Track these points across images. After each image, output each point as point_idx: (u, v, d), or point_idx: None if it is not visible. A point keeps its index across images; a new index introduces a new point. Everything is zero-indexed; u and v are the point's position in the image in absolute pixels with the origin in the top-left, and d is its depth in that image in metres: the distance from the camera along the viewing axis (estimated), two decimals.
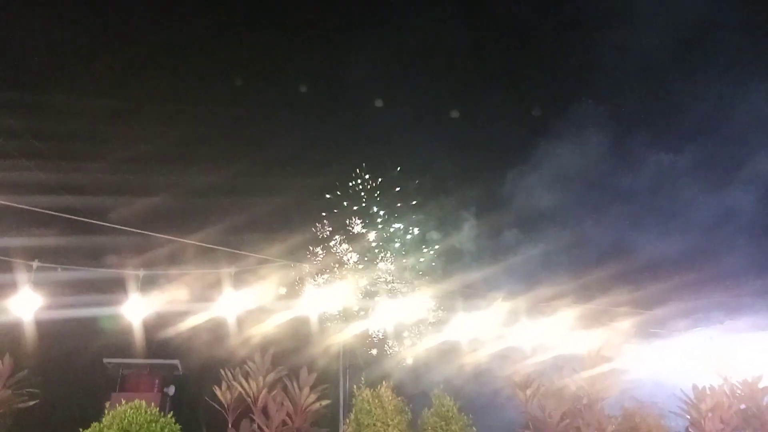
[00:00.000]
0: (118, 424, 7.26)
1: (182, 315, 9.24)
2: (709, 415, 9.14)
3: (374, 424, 7.80)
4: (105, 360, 17.00)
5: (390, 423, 7.88)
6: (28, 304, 6.71)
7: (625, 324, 9.06)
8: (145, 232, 6.44)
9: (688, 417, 9.35)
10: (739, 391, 9.64)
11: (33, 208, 5.70)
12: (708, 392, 9.29)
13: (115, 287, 7.58)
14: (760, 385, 9.65)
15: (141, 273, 6.73)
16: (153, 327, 9.81)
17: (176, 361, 17.43)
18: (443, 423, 8.27)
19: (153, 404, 7.91)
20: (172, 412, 8.04)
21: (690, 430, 9.39)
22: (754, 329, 9.48)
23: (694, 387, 9.36)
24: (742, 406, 9.61)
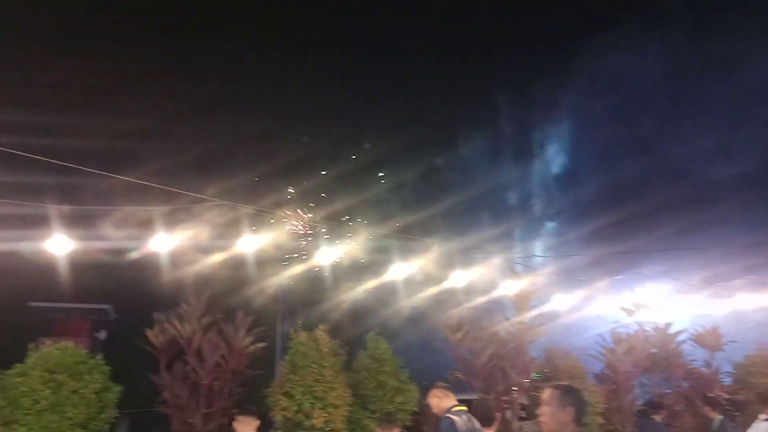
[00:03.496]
0: (42, 366, 7.04)
1: (114, 256, 8.92)
2: (623, 358, 9.89)
3: (309, 366, 7.93)
4: (31, 303, 16.35)
5: (325, 365, 8.02)
6: None
7: (551, 271, 9.52)
8: (74, 166, 6.06)
9: (605, 360, 10.09)
10: (651, 337, 10.46)
11: None
12: (624, 337, 10.02)
13: (41, 225, 7.16)
14: (670, 331, 10.50)
15: (67, 207, 6.38)
16: (83, 269, 9.43)
17: (108, 306, 17.01)
18: (377, 365, 8.52)
19: (85, 350, 7.71)
20: (102, 354, 7.88)
21: (605, 371, 10.15)
22: (666, 277, 10.20)
23: (612, 332, 10.06)
24: (654, 350, 10.46)
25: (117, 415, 7.58)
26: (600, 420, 9.05)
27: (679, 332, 10.54)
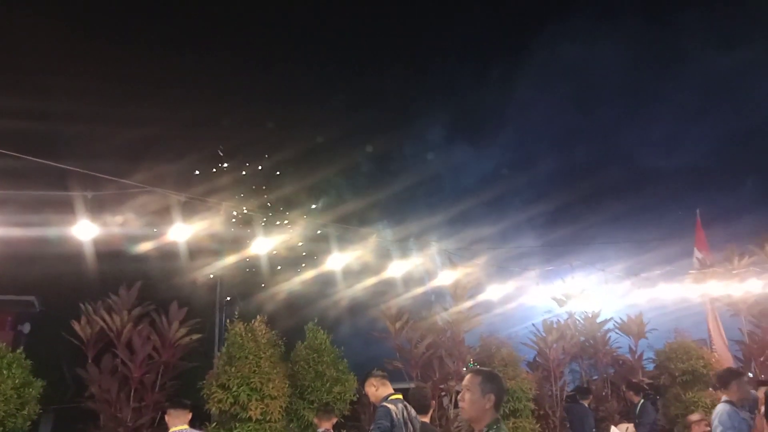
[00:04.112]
0: None
1: (37, 244, 8.44)
2: (554, 345, 10.30)
3: (246, 357, 7.80)
4: None
5: (262, 356, 7.92)
6: None
7: (486, 261, 9.76)
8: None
9: (537, 348, 10.48)
10: (580, 325, 10.94)
11: None
12: (554, 326, 10.43)
13: None
14: (598, 320, 11.01)
15: None
16: (4, 259, 8.88)
17: (32, 298, 16.12)
18: (315, 355, 8.47)
19: (4, 344, 7.27)
20: (22, 348, 7.47)
21: (537, 358, 10.54)
22: (593, 268, 10.68)
23: (543, 321, 10.45)
24: (582, 338, 10.94)
25: (40, 411, 7.22)
26: (531, 405, 9.38)
27: (606, 321, 11.07)
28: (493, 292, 9.75)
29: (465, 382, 3.21)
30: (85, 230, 6.32)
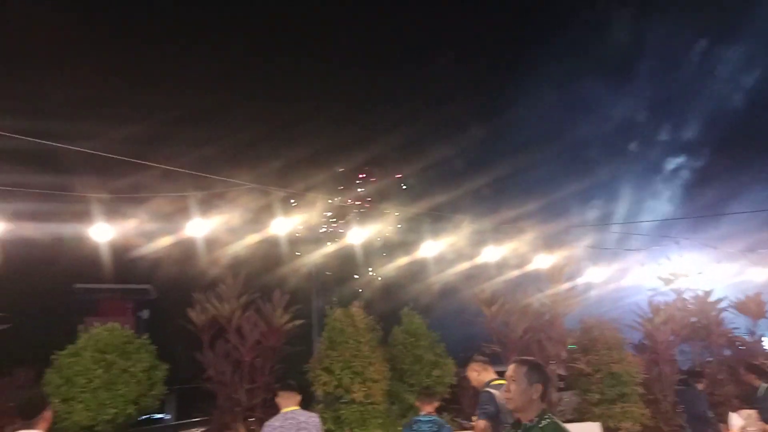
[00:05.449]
0: (93, 346, 7.34)
1: (153, 239, 9.15)
2: (662, 327, 9.75)
3: (346, 342, 8.04)
4: (76, 285, 17.00)
5: (362, 340, 8.13)
6: None
7: (585, 243, 9.39)
8: (112, 156, 6.22)
9: (643, 330, 9.97)
10: (690, 305, 10.27)
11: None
12: (662, 307, 9.86)
13: (82, 213, 7.40)
14: (710, 300, 10.30)
15: (106, 197, 6.57)
16: (123, 252, 9.73)
17: (148, 286, 17.56)
18: (413, 339, 8.61)
19: (132, 330, 7.99)
20: (148, 334, 8.16)
21: (644, 341, 10.04)
22: (705, 247, 9.95)
23: (650, 302, 9.91)
24: (693, 319, 10.28)
25: (166, 391, 7.89)
26: (639, 390, 8.98)
27: (719, 300, 10.33)
28: (594, 274, 9.37)
29: (509, 372, 3.11)
30: (197, 226, 6.78)
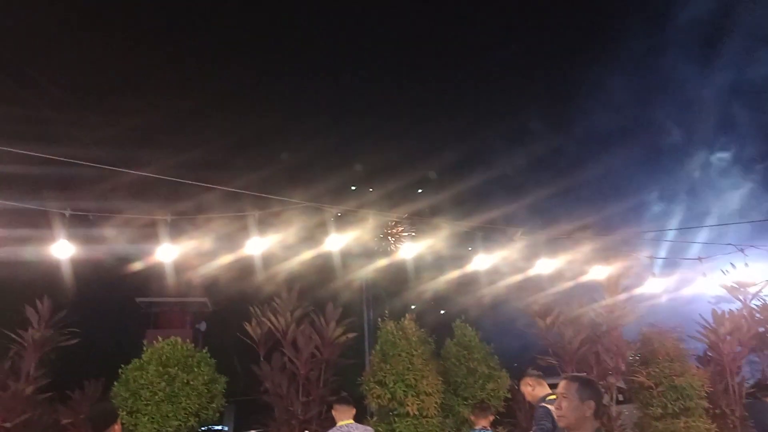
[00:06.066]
0: (157, 360, 7.67)
1: (210, 256, 9.51)
2: (728, 338, 9.32)
3: (399, 354, 8.08)
4: (137, 299, 17.78)
5: (414, 353, 8.15)
6: (62, 251, 6.98)
7: (643, 252, 9.11)
8: (174, 179, 6.56)
9: (707, 341, 9.55)
10: (757, 315, 9.76)
11: (65, 159, 5.84)
12: (727, 317, 9.43)
13: (145, 232, 7.81)
14: None
15: (169, 218, 6.91)
16: (182, 268, 10.15)
17: (206, 299, 18.15)
18: (466, 352, 8.56)
19: (187, 340, 8.29)
20: (207, 348, 8.46)
21: (708, 353, 9.61)
22: None
23: (713, 312, 9.49)
24: (761, 329, 9.76)
25: (225, 404, 8.15)
26: (705, 403, 8.61)
27: None
28: (653, 284, 9.07)
29: (560, 389, 3.06)
30: (253, 243, 7.03)
